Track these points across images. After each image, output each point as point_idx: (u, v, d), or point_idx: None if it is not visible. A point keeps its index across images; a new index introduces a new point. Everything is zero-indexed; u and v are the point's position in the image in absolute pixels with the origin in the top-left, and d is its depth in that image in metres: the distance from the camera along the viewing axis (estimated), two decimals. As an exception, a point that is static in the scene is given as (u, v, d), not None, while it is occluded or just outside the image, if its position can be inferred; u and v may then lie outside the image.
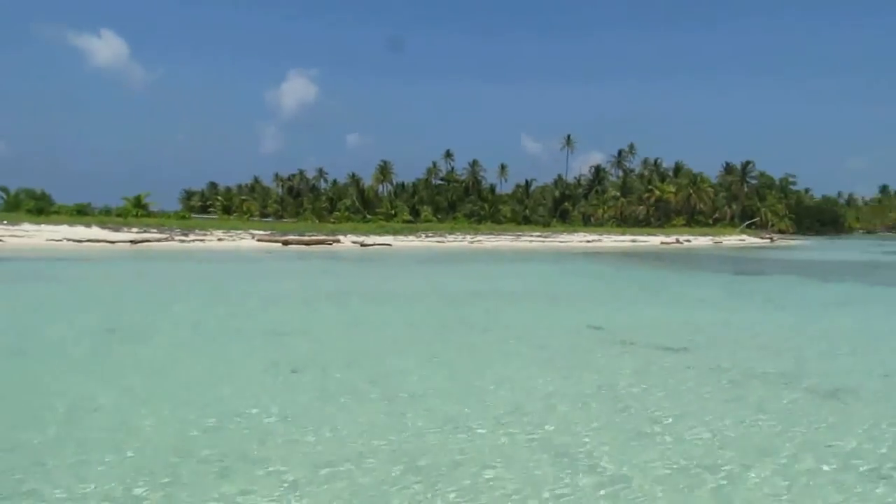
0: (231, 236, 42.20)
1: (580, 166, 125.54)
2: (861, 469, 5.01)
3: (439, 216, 79.72)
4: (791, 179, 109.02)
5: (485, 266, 30.84)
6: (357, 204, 77.20)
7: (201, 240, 39.66)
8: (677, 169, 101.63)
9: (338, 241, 44.13)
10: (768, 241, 72.21)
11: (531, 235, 58.31)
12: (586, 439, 5.56)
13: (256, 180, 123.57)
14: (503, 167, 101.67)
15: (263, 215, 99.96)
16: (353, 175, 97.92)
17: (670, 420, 6.15)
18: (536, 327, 11.87)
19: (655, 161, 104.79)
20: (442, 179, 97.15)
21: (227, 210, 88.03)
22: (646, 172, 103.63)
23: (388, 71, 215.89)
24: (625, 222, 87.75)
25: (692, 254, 47.10)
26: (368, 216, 73.46)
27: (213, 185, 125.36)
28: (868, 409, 6.69)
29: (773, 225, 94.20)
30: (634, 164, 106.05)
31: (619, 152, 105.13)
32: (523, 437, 5.62)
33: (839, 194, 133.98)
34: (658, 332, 11.22)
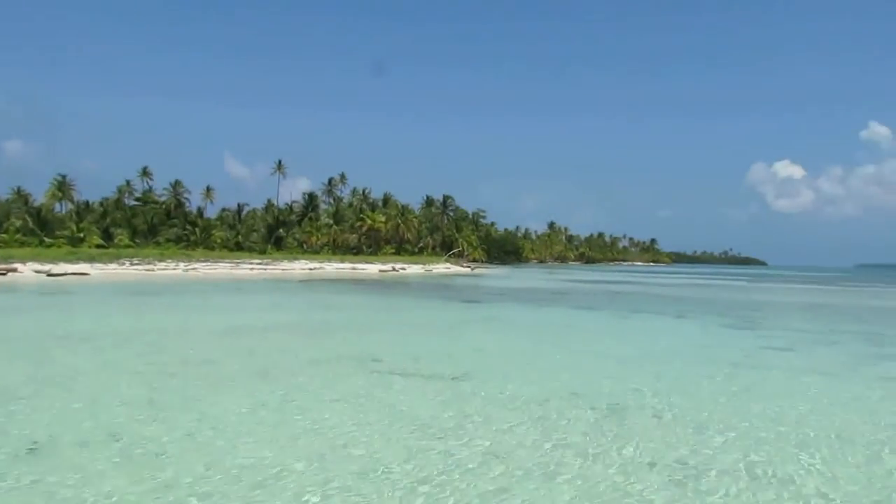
0: None
1: (290, 192, 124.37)
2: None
3: (138, 241, 70.79)
4: (482, 214, 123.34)
5: (209, 297, 27.94)
6: (31, 225, 64.06)
7: None
8: (385, 200, 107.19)
9: (14, 269, 35.82)
10: (469, 269, 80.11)
11: (251, 263, 55.31)
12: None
13: None
14: (209, 189, 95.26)
15: None
16: (20, 190, 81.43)
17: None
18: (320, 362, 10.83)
19: (364, 191, 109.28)
20: (138, 200, 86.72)
21: None
22: (355, 201, 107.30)
23: (68, 74, 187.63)
24: (338, 249, 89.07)
25: (415, 282, 49.58)
26: (47, 240, 61.58)
27: None
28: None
29: (468, 254, 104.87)
30: (345, 192, 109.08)
31: (330, 180, 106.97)
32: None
33: (517, 228, 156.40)
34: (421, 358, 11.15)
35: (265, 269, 52.34)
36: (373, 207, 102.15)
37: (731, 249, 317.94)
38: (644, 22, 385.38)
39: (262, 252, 74.68)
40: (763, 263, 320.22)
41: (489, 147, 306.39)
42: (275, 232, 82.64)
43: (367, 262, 68.66)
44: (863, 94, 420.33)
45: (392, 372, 10.58)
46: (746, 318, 24.07)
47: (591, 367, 12.21)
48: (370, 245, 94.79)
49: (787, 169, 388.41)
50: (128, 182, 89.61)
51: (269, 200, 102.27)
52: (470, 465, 5.97)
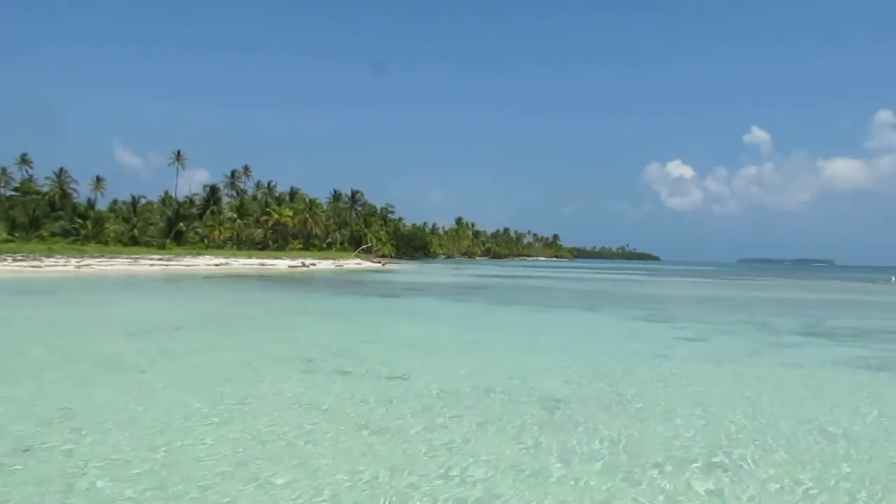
0: None
1: (188, 185, 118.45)
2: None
3: (18, 235, 65.09)
4: (390, 209, 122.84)
5: (109, 295, 26.15)
6: None
7: None
8: (292, 194, 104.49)
9: None
10: (380, 264, 79.56)
11: (151, 259, 52.22)
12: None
13: None
14: (99, 180, 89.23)
15: None
16: None
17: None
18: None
19: (269, 184, 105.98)
20: (16, 190, 79.71)
21: None
22: (259, 195, 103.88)
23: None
24: (243, 244, 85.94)
25: (327, 278, 48.64)
26: None
27: None
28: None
29: (377, 249, 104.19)
30: (248, 185, 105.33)
31: (233, 173, 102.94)
32: None
33: (425, 223, 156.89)
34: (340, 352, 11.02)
35: (167, 266, 49.56)
36: (279, 201, 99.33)
37: (627, 245, 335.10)
38: (548, 22, 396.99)
39: (162, 247, 70.76)
40: (657, 258, 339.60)
41: (397, 142, 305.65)
42: (175, 226, 78.50)
43: (275, 258, 66.59)
44: (746, 98, 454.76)
45: (324, 371, 10.29)
46: (655, 311, 25.38)
47: (522, 360, 12.39)
48: (276, 240, 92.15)
49: (679, 169, 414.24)
50: (3, 170, 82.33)
51: (166, 192, 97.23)
52: (416, 461, 5.90)
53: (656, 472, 5.86)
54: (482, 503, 5.07)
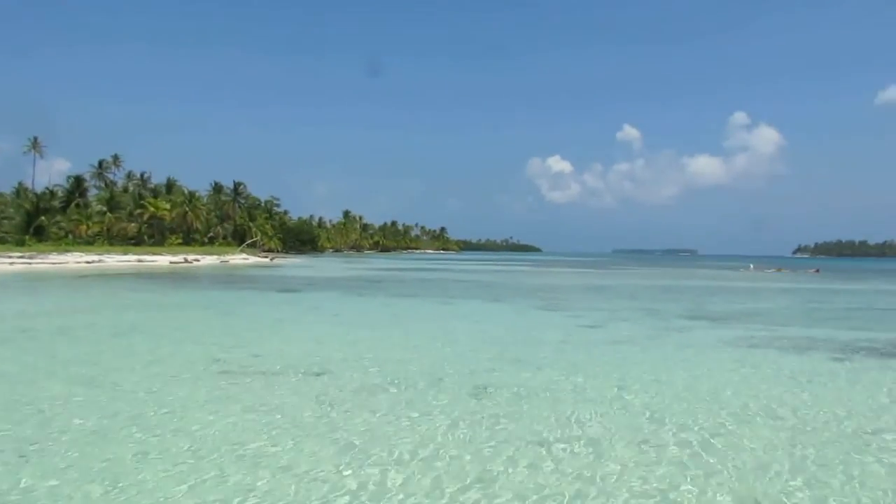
0: None
1: (47, 175, 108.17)
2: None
3: None
4: (276, 201, 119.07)
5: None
6: None
7: None
8: (169, 186, 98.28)
9: None
10: (268, 259, 76.92)
11: (10, 256, 47.35)
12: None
13: None
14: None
15: None
16: None
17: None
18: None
19: (143, 175, 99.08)
20: None
21: None
22: (132, 187, 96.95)
23: None
24: (115, 239, 79.96)
25: (215, 274, 46.43)
26: None
27: None
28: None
29: (263, 244, 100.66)
30: (118, 177, 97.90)
31: (101, 163, 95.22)
32: None
33: (311, 216, 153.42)
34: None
35: (30, 264, 45.13)
36: (155, 194, 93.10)
37: (511, 237, 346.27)
38: (438, 12, 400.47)
39: (21, 244, 64.37)
40: (539, 250, 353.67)
41: (281, 134, 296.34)
42: (35, 220, 71.61)
43: (153, 254, 62.57)
44: (620, 97, 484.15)
45: (238, 372, 9.89)
46: (552, 300, 26.57)
47: (437, 352, 12.55)
48: (153, 235, 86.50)
49: (559, 164, 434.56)
50: None
51: (20, 183, 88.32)
52: (342, 459, 5.92)
53: (590, 449, 6.27)
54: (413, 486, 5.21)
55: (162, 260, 58.17)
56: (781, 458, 6.07)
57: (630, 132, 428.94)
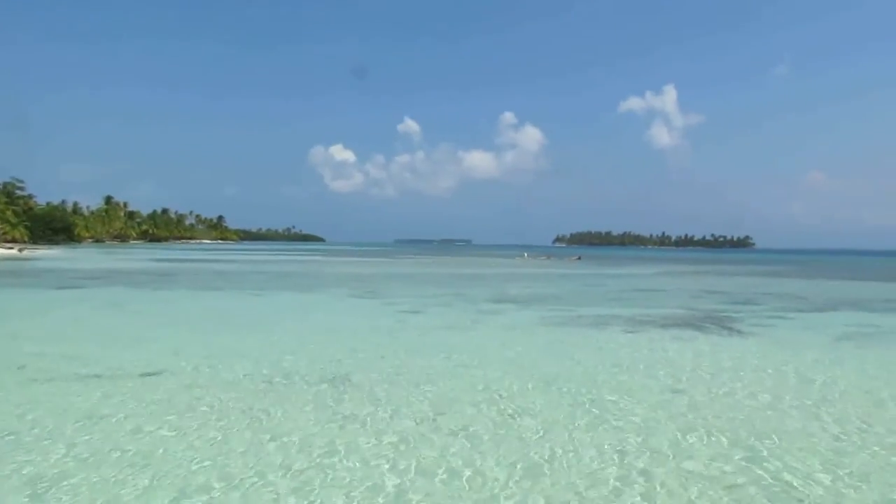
0: None
1: None
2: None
3: None
4: (19, 184, 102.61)
5: None
6: None
7: None
8: None
9: None
10: (16, 251, 65.97)
11: None
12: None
13: None
14: None
15: None
16: None
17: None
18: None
19: None
20: None
21: None
22: None
23: None
24: None
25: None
26: None
27: None
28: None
29: (6, 233, 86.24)
30: None
31: None
32: None
33: (64, 202, 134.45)
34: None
35: None
36: None
37: (294, 227, 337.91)
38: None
39: None
40: (322, 240, 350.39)
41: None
42: None
43: None
44: (401, 88, 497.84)
45: (58, 378, 8.77)
46: (364, 289, 26.93)
47: (278, 345, 12.25)
48: None
49: (342, 153, 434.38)
50: None
51: None
52: (192, 459, 5.95)
53: (447, 429, 6.94)
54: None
55: None
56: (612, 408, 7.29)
57: (410, 125, 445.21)
